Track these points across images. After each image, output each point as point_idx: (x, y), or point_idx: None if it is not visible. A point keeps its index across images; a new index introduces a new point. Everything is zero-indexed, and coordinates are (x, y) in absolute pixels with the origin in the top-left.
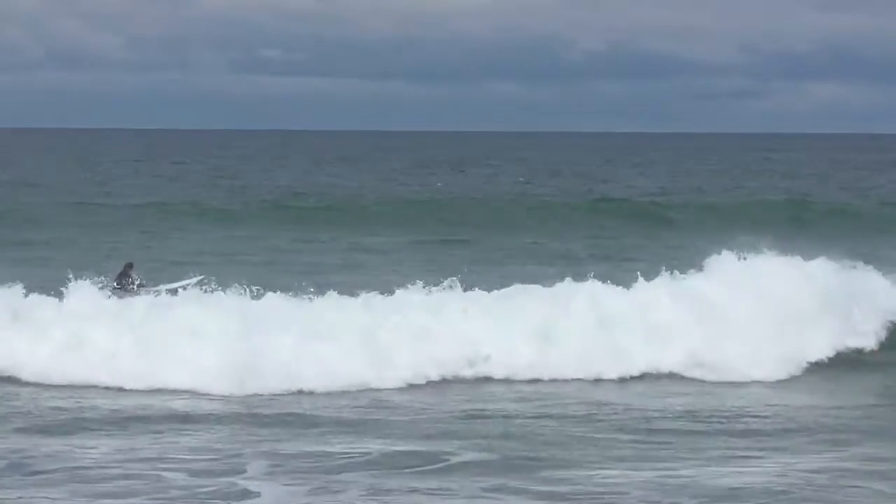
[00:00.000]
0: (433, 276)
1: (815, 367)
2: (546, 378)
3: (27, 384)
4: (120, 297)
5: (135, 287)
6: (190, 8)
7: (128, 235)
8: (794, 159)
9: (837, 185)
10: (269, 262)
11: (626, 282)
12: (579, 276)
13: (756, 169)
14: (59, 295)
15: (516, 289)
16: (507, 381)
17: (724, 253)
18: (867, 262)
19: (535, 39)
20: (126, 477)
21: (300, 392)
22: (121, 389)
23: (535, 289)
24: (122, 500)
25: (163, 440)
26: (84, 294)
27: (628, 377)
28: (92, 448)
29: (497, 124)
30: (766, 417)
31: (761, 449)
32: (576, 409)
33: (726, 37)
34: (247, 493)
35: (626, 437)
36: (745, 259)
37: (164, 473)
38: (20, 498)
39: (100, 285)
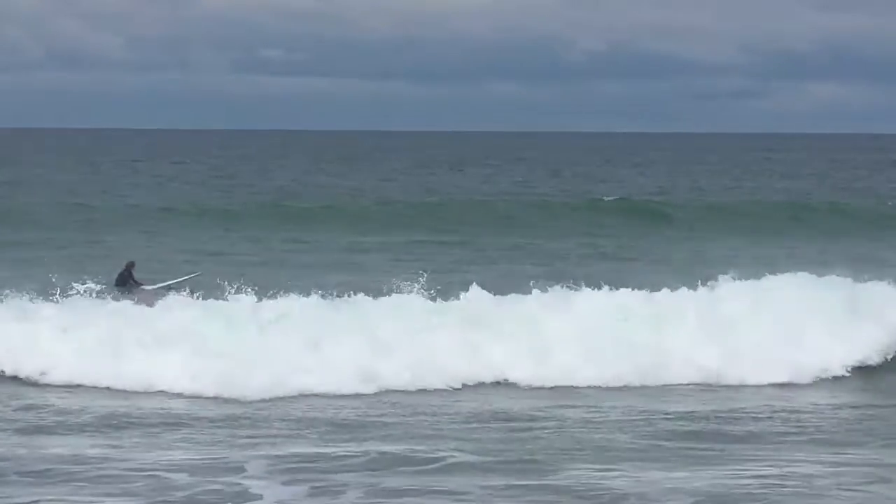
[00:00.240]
0: (433, 276)
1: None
2: (548, 383)
3: (27, 384)
4: (120, 296)
5: (136, 286)
6: (190, 8)
7: (127, 235)
8: (794, 159)
9: (837, 185)
10: (267, 262)
11: (627, 283)
12: (579, 278)
13: (756, 169)
14: (59, 295)
15: (514, 297)
16: (507, 382)
17: (731, 273)
18: (867, 262)
19: (535, 39)
20: (126, 478)
21: (300, 393)
22: (120, 390)
23: (535, 293)
24: (121, 501)
25: (162, 441)
26: (84, 294)
27: (628, 380)
28: (92, 448)
29: (497, 124)
30: (766, 419)
31: (760, 450)
32: (576, 410)
33: (726, 37)
34: (247, 494)
35: (625, 437)
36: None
37: (164, 474)
38: (20, 498)
39: (100, 285)
